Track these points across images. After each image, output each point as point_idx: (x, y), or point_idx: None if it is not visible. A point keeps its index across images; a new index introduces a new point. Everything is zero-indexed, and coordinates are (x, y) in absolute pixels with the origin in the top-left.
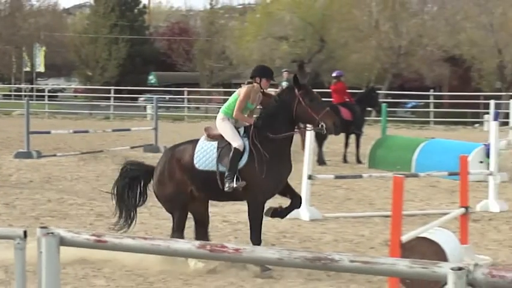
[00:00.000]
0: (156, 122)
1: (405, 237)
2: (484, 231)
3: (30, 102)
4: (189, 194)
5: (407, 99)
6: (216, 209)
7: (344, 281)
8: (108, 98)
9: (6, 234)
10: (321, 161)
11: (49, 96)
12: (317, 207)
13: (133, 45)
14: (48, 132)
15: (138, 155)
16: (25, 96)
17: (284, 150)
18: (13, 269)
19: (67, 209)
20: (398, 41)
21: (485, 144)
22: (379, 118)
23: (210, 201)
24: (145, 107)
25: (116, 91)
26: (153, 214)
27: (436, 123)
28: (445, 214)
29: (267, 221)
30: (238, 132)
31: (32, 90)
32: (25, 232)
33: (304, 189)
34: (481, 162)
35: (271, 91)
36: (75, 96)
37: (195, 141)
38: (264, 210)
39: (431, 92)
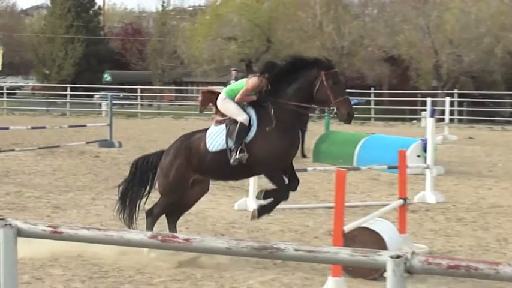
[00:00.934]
0: (111, 118)
1: (347, 227)
2: (421, 221)
3: None
4: (189, 184)
5: (350, 96)
6: None
7: (290, 269)
8: (65, 96)
9: None
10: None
11: (7, 94)
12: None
13: (88, 45)
14: (7, 128)
15: (93, 149)
16: None
17: (294, 124)
18: None
19: (25, 202)
20: (341, 41)
21: (422, 140)
22: (323, 115)
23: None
24: (100, 104)
25: (72, 89)
26: (108, 206)
27: (376, 119)
28: (384, 205)
29: (216, 212)
30: (243, 108)
31: None
32: None
33: (251, 183)
34: (419, 156)
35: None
36: (33, 93)
37: (205, 130)
38: (256, 193)
39: (372, 90)
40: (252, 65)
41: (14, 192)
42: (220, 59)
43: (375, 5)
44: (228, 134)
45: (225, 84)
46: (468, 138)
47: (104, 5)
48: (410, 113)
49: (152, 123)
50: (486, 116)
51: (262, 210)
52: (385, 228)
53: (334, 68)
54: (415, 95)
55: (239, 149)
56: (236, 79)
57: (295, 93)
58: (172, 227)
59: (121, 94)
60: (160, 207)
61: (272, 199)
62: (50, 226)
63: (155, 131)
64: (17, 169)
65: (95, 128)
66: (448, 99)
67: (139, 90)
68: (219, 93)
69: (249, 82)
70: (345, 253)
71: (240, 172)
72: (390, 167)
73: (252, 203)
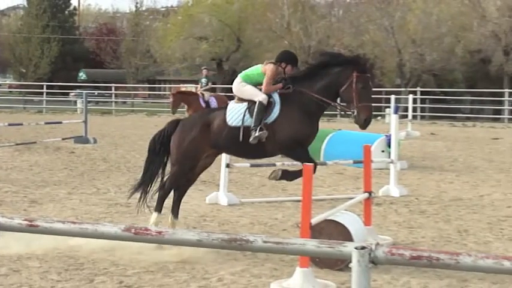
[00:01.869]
0: (86, 115)
1: (314, 220)
2: (385, 213)
3: None
4: (201, 158)
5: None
6: None
7: (259, 260)
8: (41, 93)
9: None
10: None
11: None
12: (234, 193)
13: (64, 44)
14: None
15: (69, 146)
16: None
17: (315, 114)
18: None
19: (2, 196)
20: (308, 41)
21: (386, 135)
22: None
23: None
24: (75, 102)
25: (48, 87)
26: (83, 201)
27: (342, 115)
28: (350, 198)
29: (188, 205)
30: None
31: None
32: None
33: (222, 177)
34: (383, 151)
35: (190, 87)
36: (10, 91)
37: (223, 107)
38: (272, 174)
39: None
40: (222, 64)
41: None
42: (192, 57)
43: (340, 5)
44: (249, 113)
45: (196, 82)
46: (430, 134)
47: (79, 5)
48: (374, 110)
49: (126, 120)
50: (447, 112)
51: (284, 175)
52: (351, 221)
53: (367, 73)
54: (379, 93)
55: (259, 127)
56: (207, 77)
57: (324, 87)
58: (177, 204)
59: (96, 92)
60: (171, 180)
61: (298, 171)
62: (26, 220)
63: (129, 128)
64: None
65: (70, 125)
66: (411, 97)
67: (113, 88)
68: (190, 92)
69: (266, 70)
70: (311, 245)
71: (256, 150)
72: (356, 162)
73: (222, 197)
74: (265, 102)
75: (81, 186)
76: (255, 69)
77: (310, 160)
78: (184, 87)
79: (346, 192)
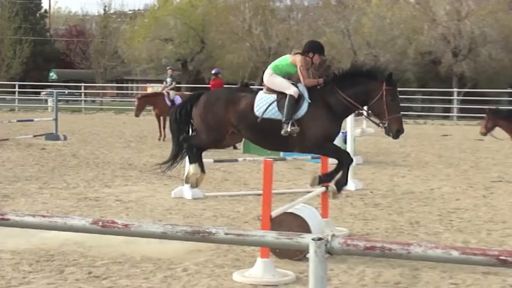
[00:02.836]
0: (56, 113)
1: (274, 213)
2: (342, 206)
3: None
4: (225, 135)
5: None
6: (110, 190)
7: (222, 251)
8: (13, 93)
9: None
10: None
11: None
12: (199, 187)
13: (35, 46)
14: None
15: (40, 142)
16: None
17: (341, 116)
18: None
19: None
20: (269, 43)
21: (342, 132)
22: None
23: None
24: (46, 100)
25: (20, 86)
26: (54, 195)
27: None
28: (308, 192)
29: (154, 199)
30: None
31: None
32: None
33: (187, 172)
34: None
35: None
36: None
37: (254, 93)
38: (310, 181)
39: None
40: (187, 64)
41: None
42: (158, 58)
43: (299, 9)
44: (279, 107)
45: (162, 81)
46: (442, 136)
47: (49, 8)
48: None
49: (95, 117)
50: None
51: (322, 179)
52: (309, 213)
53: (395, 86)
54: None
55: (291, 122)
56: (171, 77)
57: (354, 92)
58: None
59: (66, 91)
60: (197, 142)
61: (333, 170)
62: None
63: (98, 125)
64: None
65: (41, 122)
66: None
67: (83, 88)
68: (154, 93)
69: (296, 61)
70: (271, 236)
71: (281, 143)
72: (313, 157)
73: (187, 191)
74: (296, 96)
75: (51, 181)
76: (284, 60)
77: (340, 154)
78: (150, 86)
79: (304, 186)
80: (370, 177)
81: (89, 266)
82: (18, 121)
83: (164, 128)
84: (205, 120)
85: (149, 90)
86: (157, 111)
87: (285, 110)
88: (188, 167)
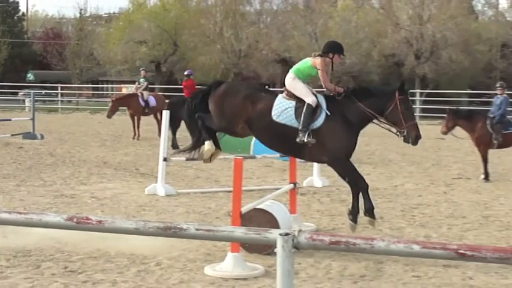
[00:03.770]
0: (34, 113)
1: (244, 209)
2: (309, 203)
3: None
4: (235, 127)
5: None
6: (86, 187)
7: (194, 246)
8: None
9: None
10: (174, 145)
11: None
12: (171, 185)
13: (13, 48)
14: None
15: (17, 141)
16: None
17: (359, 124)
18: None
19: None
20: (239, 45)
21: None
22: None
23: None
24: (24, 101)
25: None
26: (31, 192)
27: None
28: (277, 189)
29: (129, 196)
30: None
31: None
32: None
33: (160, 170)
34: None
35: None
36: None
37: (275, 95)
38: (351, 230)
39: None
40: (160, 66)
41: None
42: (132, 60)
43: (268, 13)
44: (296, 114)
45: (135, 82)
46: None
47: (27, 11)
48: None
49: (71, 117)
50: None
51: (353, 215)
52: (278, 209)
53: (407, 94)
54: None
55: (307, 132)
56: (144, 78)
57: (370, 103)
58: (214, 133)
59: (43, 91)
60: (209, 122)
61: (353, 203)
62: None
63: (74, 125)
64: None
65: (19, 122)
66: None
67: (59, 88)
68: (128, 94)
69: (316, 63)
70: (240, 232)
71: (291, 149)
72: (282, 156)
73: (160, 188)
74: (314, 105)
75: (29, 178)
76: (304, 63)
77: (354, 176)
78: (125, 87)
79: (273, 183)
80: (336, 175)
81: (65, 260)
82: None
83: (138, 127)
84: (220, 107)
85: (124, 91)
86: (132, 111)
87: (302, 118)
88: (205, 144)
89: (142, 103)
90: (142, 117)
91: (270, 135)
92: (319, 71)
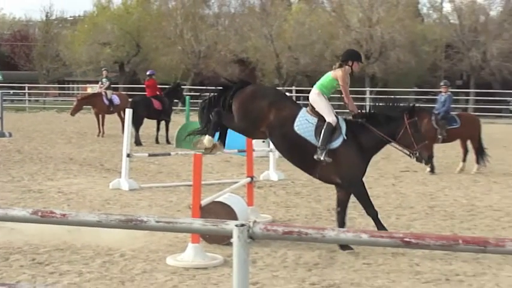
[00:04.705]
0: (2, 112)
1: (204, 202)
2: (266, 195)
3: None
4: (256, 130)
5: (207, 93)
6: (52, 183)
7: (157, 237)
8: None
9: None
10: (137, 142)
11: None
12: (135, 179)
13: None
14: None
15: None
16: None
17: (372, 149)
18: None
19: None
20: (199, 46)
21: None
22: (184, 108)
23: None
24: None
25: None
26: None
27: None
28: (235, 183)
29: (93, 191)
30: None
31: None
32: None
33: (124, 165)
34: (263, 141)
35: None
36: None
37: (299, 107)
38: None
39: None
40: (124, 66)
41: None
42: (97, 61)
43: (226, 16)
44: (316, 132)
45: (97, 82)
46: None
47: None
48: None
49: (38, 116)
50: None
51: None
52: (236, 202)
53: (415, 118)
54: None
55: (325, 151)
56: (107, 77)
57: (383, 129)
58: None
59: (11, 91)
60: (227, 122)
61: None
62: None
63: (41, 123)
64: None
65: None
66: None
67: (27, 88)
68: (92, 94)
69: (337, 76)
70: (198, 223)
71: (305, 163)
72: (240, 151)
73: (124, 183)
74: (334, 124)
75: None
76: (327, 77)
77: (366, 204)
78: (90, 86)
79: (232, 177)
80: (291, 169)
81: (33, 253)
82: None
83: (103, 125)
84: (245, 108)
85: (89, 90)
86: (96, 110)
87: (322, 136)
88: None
89: (107, 102)
90: (106, 116)
91: (289, 144)
92: (341, 85)
